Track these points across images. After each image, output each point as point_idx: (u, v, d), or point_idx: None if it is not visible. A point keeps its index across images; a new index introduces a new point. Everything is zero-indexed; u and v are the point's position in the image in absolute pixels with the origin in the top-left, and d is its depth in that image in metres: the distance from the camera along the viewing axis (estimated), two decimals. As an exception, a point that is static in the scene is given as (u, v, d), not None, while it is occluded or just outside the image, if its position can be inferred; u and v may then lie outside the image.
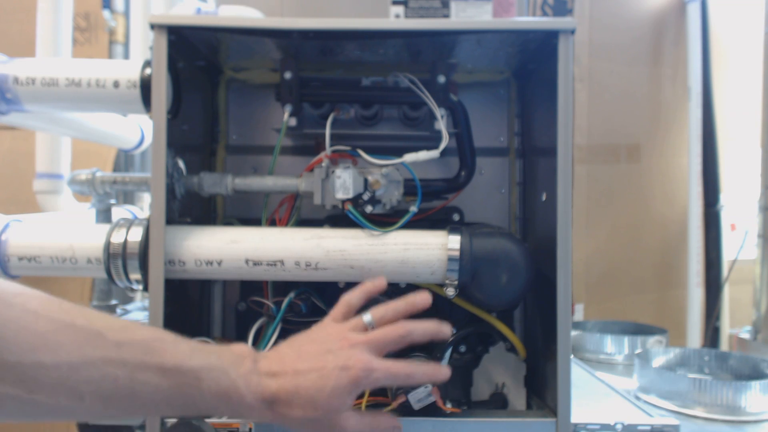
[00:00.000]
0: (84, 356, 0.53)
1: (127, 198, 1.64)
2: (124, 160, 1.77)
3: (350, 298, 0.69)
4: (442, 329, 0.67)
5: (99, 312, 0.59)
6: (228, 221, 0.93)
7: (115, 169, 1.75)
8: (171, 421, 0.68)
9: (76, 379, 0.52)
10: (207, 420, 0.69)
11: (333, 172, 0.77)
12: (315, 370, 0.61)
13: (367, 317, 0.66)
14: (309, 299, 0.84)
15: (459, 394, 0.89)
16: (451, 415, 0.74)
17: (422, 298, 0.68)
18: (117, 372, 0.54)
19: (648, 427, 0.78)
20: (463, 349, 0.89)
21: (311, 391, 0.60)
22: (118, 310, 1.03)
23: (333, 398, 0.60)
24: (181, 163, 0.79)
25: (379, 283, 0.70)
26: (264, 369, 0.61)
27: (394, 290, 0.84)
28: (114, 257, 0.76)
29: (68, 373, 0.52)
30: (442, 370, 0.66)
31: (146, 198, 1.56)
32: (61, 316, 0.53)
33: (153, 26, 0.72)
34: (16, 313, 0.51)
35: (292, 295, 0.82)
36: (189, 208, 0.83)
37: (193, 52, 0.83)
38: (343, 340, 0.64)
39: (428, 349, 0.82)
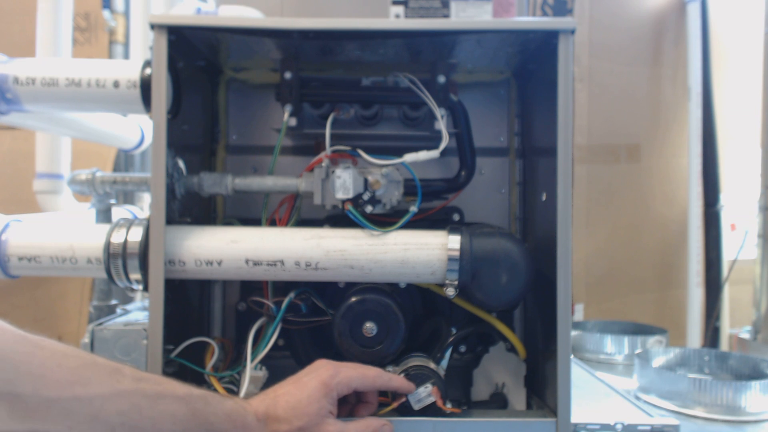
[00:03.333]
0: (112, 388, 0.58)
1: (127, 198, 1.64)
2: (124, 160, 1.77)
3: None
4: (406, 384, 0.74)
5: None
6: (228, 221, 0.92)
7: (115, 169, 1.75)
8: None
9: (108, 411, 0.57)
10: None
11: (333, 172, 0.77)
12: (292, 384, 0.69)
13: None
14: (309, 299, 0.84)
15: (459, 394, 0.89)
16: (451, 415, 0.74)
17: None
18: (141, 402, 0.59)
19: (648, 427, 0.78)
20: (463, 349, 0.89)
21: (290, 401, 0.67)
22: (118, 310, 1.03)
23: (310, 404, 0.67)
24: (181, 163, 0.79)
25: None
26: (253, 401, 0.68)
27: (394, 290, 0.84)
28: (114, 257, 0.76)
29: (101, 405, 0.56)
30: (410, 384, 0.74)
31: (146, 198, 1.56)
32: (83, 354, 0.59)
33: (153, 26, 0.72)
34: (49, 354, 0.56)
35: (292, 295, 0.82)
36: (189, 208, 0.83)
37: (193, 52, 0.83)
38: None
39: (428, 349, 0.82)
